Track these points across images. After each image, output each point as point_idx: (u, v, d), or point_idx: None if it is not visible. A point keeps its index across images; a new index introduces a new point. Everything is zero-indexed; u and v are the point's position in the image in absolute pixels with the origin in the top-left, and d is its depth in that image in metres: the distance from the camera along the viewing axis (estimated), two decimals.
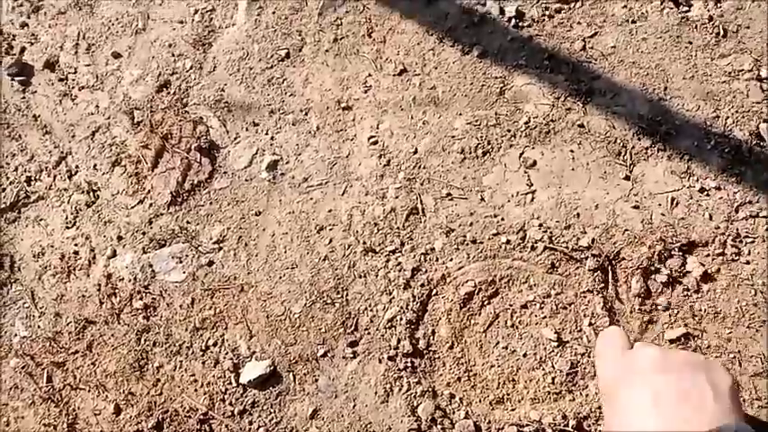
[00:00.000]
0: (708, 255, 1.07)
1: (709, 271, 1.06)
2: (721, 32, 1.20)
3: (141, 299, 1.20)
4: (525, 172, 1.18)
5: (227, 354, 1.14)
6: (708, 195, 1.10)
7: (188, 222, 1.26)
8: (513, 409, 1.04)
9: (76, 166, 1.36)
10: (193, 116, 1.35)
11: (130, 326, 1.18)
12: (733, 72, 1.18)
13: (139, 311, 1.19)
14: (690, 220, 1.09)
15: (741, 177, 1.11)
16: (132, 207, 1.29)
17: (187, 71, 1.41)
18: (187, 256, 1.23)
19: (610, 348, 0.74)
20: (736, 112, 1.14)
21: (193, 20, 1.46)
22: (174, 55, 1.43)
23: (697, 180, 1.12)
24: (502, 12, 1.30)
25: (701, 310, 1.04)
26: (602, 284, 1.07)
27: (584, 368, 1.04)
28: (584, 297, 1.07)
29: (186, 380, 1.15)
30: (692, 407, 0.60)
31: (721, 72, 1.18)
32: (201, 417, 1.11)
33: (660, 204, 1.11)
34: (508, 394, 1.05)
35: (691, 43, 1.21)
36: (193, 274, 1.21)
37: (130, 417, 1.14)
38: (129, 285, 1.22)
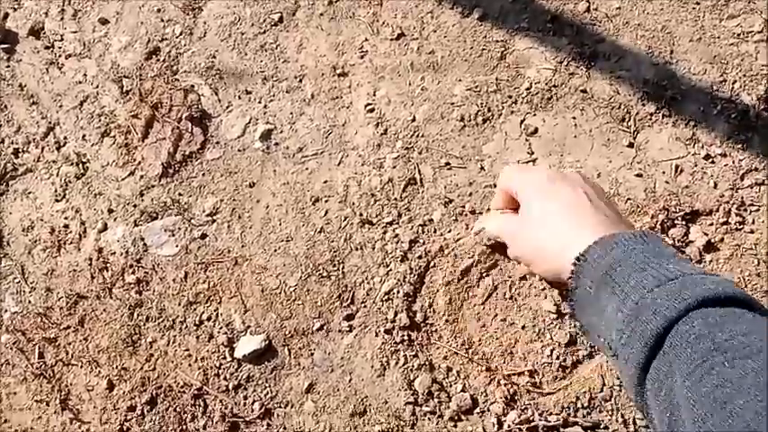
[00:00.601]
0: (711, 224, 1.11)
1: (712, 240, 1.09)
2: None
3: (133, 273, 1.24)
4: (527, 140, 1.21)
5: (221, 328, 1.19)
6: (713, 162, 1.13)
7: (180, 194, 1.30)
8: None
9: (65, 138, 1.40)
10: (184, 84, 1.38)
11: (123, 300, 1.23)
12: (742, 34, 1.20)
13: (132, 286, 1.24)
14: (694, 189, 1.12)
15: (747, 143, 1.13)
16: (123, 179, 1.33)
17: (177, 37, 1.43)
18: (180, 228, 1.27)
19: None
20: (744, 75, 1.16)
21: None
22: (163, 20, 1.45)
23: (702, 147, 1.15)
24: None
25: None
26: None
27: (584, 340, 1.08)
28: None
29: (180, 355, 1.20)
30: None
31: (729, 34, 1.20)
32: (196, 392, 1.16)
33: (664, 172, 1.14)
34: (506, 367, 1.09)
35: (698, 4, 1.22)
36: (186, 248, 1.25)
37: (124, 392, 1.19)
38: (121, 259, 1.26)
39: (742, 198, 1.10)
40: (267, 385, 1.15)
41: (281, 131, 1.31)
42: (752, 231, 1.09)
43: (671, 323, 0.56)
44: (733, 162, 1.12)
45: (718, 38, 1.19)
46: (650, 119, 1.17)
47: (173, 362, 1.20)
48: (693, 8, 1.22)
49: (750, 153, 1.12)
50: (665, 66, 1.18)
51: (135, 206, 1.31)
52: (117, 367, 1.21)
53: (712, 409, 0.49)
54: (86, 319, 1.25)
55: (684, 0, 1.22)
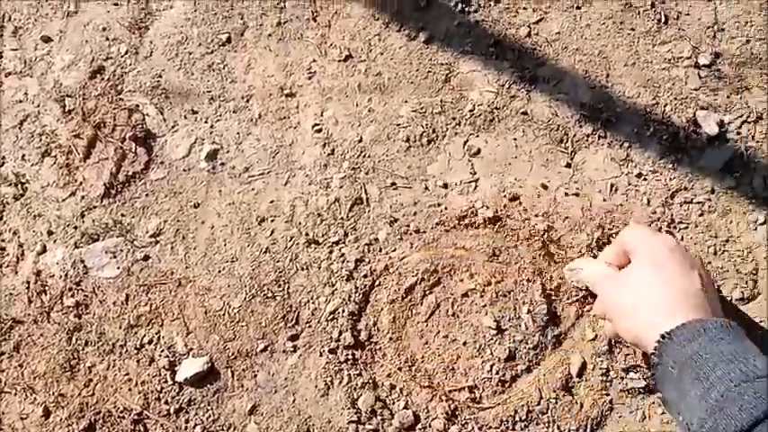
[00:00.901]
0: None
1: None
2: (663, 19, 1.31)
3: (73, 296, 1.25)
4: (469, 160, 1.27)
5: (162, 351, 1.21)
6: (645, 181, 1.20)
7: (122, 215, 1.31)
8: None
9: (3, 157, 1.41)
10: (129, 104, 1.40)
11: (61, 325, 1.24)
12: (672, 59, 1.28)
13: (71, 309, 1.25)
14: (628, 207, 1.19)
15: (678, 163, 1.21)
16: (63, 200, 1.35)
17: (122, 56, 1.46)
18: (122, 250, 1.29)
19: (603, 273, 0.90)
20: (675, 98, 1.25)
21: (129, 2, 1.51)
22: (108, 39, 1.48)
23: (636, 166, 1.22)
24: None
25: None
26: (542, 272, 1.17)
27: (522, 355, 1.13)
28: (524, 285, 1.16)
29: (120, 379, 1.21)
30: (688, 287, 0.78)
31: (661, 59, 1.29)
32: (136, 417, 1.17)
33: (600, 191, 1.21)
34: (448, 383, 1.14)
35: (633, 30, 1.31)
36: (128, 270, 1.27)
37: (61, 419, 1.19)
38: (60, 282, 1.27)
39: (672, 216, 1.17)
40: (209, 408, 1.17)
41: (228, 151, 1.35)
42: None
43: (757, 422, 0.61)
44: (664, 181, 1.19)
45: (651, 62, 1.27)
46: (587, 140, 1.24)
47: (112, 386, 1.21)
48: (628, 34, 1.30)
49: (680, 173, 1.20)
50: (601, 89, 1.26)
51: (75, 228, 1.32)
52: (54, 393, 1.21)
53: None
54: (22, 345, 1.25)
55: (620, 26, 1.30)
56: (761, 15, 1.30)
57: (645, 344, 0.77)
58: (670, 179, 1.21)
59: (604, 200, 1.20)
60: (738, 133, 1.23)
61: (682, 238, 1.18)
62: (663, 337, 0.73)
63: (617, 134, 1.24)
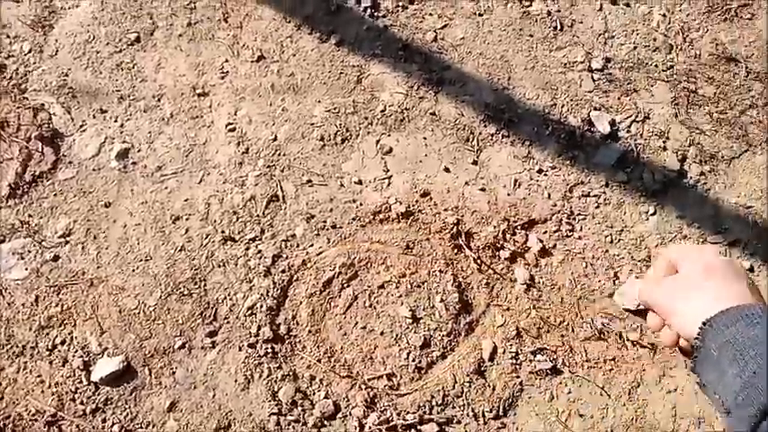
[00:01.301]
0: (546, 231, 1.30)
1: (546, 246, 1.29)
2: (558, 26, 1.45)
3: None
4: (382, 158, 1.36)
5: (76, 352, 1.22)
6: (546, 176, 1.33)
7: (30, 216, 1.32)
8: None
9: None
10: (33, 102, 1.41)
11: None
12: (568, 63, 1.42)
13: None
14: (530, 200, 1.32)
15: (575, 160, 1.35)
16: None
17: (25, 54, 1.46)
18: (29, 251, 1.29)
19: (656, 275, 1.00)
20: (571, 100, 1.39)
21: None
22: (9, 37, 1.48)
23: (536, 163, 1.35)
24: (358, 1, 1.48)
25: (539, 282, 1.27)
26: (453, 263, 1.27)
27: (437, 342, 1.23)
28: (436, 275, 1.26)
29: (32, 381, 1.21)
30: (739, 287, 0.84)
31: (558, 63, 1.43)
32: (50, 419, 1.18)
33: (504, 186, 1.33)
34: (367, 372, 1.22)
35: (532, 36, 1.44)
36: (37, 270, 1.28)
37: None
38: None
39: (571, 208, 1.30)
40: (127, 407, 1.20)
41: (139, 150, 1.38)
42: (580, 238, 1.30)
43: None
44: (563, 176, 1.33)
45: (549, 66, 1.41)
46: (491, 139, 1.35)
47: (23, 389, 1.21)
48: (527, 39, 1.43)
49: (577, 168, 1.33)
50: (503, 91, 1.38)
51: None
52: None
53: None
54: None
55: (519, 33, 1.43)
56: (644, 25, 1.47)
57: (692, 334, 0.87)
58: (568, 174, 1.34)
59: (509, 194, 1.32)
60: (629, 132, 1.38)
61: (580, 229, 1.31)
62: (704, 323, 0.84)
63: (519, 133, 1.36)
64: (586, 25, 1.41)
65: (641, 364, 1.21)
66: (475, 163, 1.30)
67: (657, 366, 1.20)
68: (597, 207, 1.28)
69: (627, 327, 1.22)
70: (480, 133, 1.32)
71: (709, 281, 0.94)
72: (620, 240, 1.26)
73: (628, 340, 1.21)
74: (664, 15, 1.46)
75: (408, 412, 1.17)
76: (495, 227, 1.26)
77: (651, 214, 1.28)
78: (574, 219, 1.27)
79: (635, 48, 1.42)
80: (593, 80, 1.36)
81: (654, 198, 1.30)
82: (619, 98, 1.36)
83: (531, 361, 1.19)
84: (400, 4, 1.44)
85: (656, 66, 1.41)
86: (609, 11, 1.44)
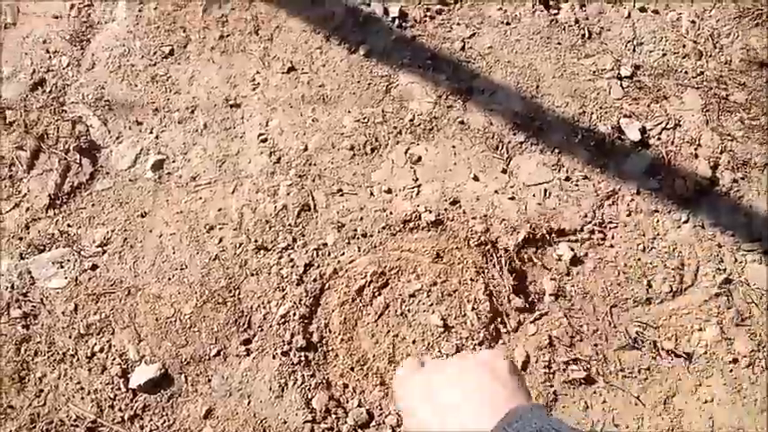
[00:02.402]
0: (577, 240, 1.28)
1: (578, 255, 1.27)
2: (586, 34, 1.43)
3: (20, 307, 1.26)
4: (411, 167, 1.35)
5: (114, 359, 1.23)
6: (576, 185, 1.31)
7: (69, 226, 1.33)
8: None
9: None
10: (72, 115, 1.42)
11: (8, 336, 1.25)
12: (597, 71, 1.40)
13: (18, 320, 1.25)
14: (560, 209, 1.30)
15: (605, 168, 1.32)
16: (7, 212, 1.35)
17: (64, 68, 1.48)
18: (69, 260, 1.30)
19: (407, 374, 0.91)
20: (600, 108, 1.36)
21: (69, 15, 1.53)
22: (49, 51, 1.49)
23: (566, 171, 1.33)
24: (386, 12, 1.47)
25: (571, 291, 1.24)
26: (483, 271, 1.25)
27: (470, 350, 1.21)
28: (467, 284, 1.24)
29: (72, 388, 1.22)
30: (483, 401, 0.75)
31: (587, 71, 1.41)
32: (90, 425, 1.19)
33: (534, 195, 1.31)
34: None
35: (560, 44, 1.42)
36: (76, 279, 1.29)
37: (10, 431, 1.20)
38: (6, 294, 1.28)
39: (602, 216, 1.28)
40: (164, 414, 1.20)
41: (174, 161, 1.38)
42: (612, 246, 1.27)
43: None
44: (593, 185, 1.31)
45: (578, 74, 1.39)
46: (521, 147, 1.34)
47: (64, 396, 1.22)
48: (555, 48, 1.41)
49: (607, 176, 1.31)
50: (532, 99, 1.37)
51: (21, 239, 1.33)
52: (3, 405, 1.22)
53: None
54: None
55: (547, 40, 1.42)
56: (673, 31, 1.44)
57: None
58: (598, 182, 1.32)
59: (538, 203, 1.30)
60: (659, 139, 1.35)
61: (612, 237, 1.29)
62: None
63: (548, 141, 1.35)
64: (615, 32, 1.39)
65: (676, 374, 1.18)
66: (504, 171, 1.28)
67: (693, 376, 1.18)
68: (629, 215, 1.25)
69: (661, 336, 1.20)
70: (509, 141, 1.31)
71: (466, 393, 0.79)
72: (652, 248, 1.24)
73: (662, 349, 1.19)
74: (693, 22, 1.43)
75: None
76: (524, 236, 1.24)
77: (684, 222, 1.26)
78: (605, 227, 1.25)
79: (664, 54, 1.39)
80: (623, 87, 1.34)
81: (686, 206, 1.27)
82: (649, 105, 1.34)
83: (564, 370, 1.18)
84: (428, 14, 1.43)
85: (685, 72, 1.38)
86: (637, 18, 1.42)
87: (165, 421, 1.19)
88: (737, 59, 1.41)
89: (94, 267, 1.30)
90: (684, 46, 1.41)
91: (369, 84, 1.41)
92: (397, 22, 1.43)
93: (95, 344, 1.24)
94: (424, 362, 0.87)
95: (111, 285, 1.28)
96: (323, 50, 1.45)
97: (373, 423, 1.17)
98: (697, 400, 1.17)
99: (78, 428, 1.19)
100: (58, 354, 1.24)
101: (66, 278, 1.28)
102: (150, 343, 1.24)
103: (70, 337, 1.25)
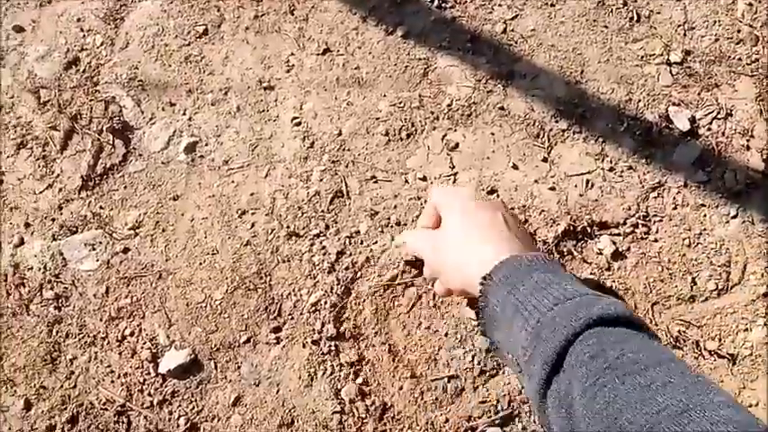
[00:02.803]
0: (619, 234, 1.23)
1: (620, 249, 1.21)
2: (635, 17, 1.36)
3: (52, 288, 1.26)
4: (448, 154, 1.31)
5: (144, 343, 1.22)
6: (620, 176, 1.26)
7: (101, 208, 1.32)
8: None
9: None
10: (105, 95, 1.41)
11: (41, 317, 1.25)
12: (645, 56, 1.33)
13: (50, 302, 1.25)
14: (603, 201, 1.24)
15: (651, 158, 1.26)
16: (40, 192, 1.35)
17: (98, 47, 1.46)
18: (101, 243, 1.30)
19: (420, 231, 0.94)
20: (648, 95, 1.30)
21: None
22: (83, 30, 1.48)
23: (610, 161, 1.27)
24: None
25: (611, 287, 1.20)
26: None
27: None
28: None
29: (102, 371, 1.22)
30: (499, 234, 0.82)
31: (634, 56, 1.34)
32: (119, 408, 1.19)
33: (576, 186, 1.26)
34: (431, 373, 1.18)
35: (606, 27, 1.36)
36: (108, 262, 1.28)
37: (42, 411, 1.20)
38: (39, 275, 1.28)
39: (647, 209, 1.23)
40: (193, 400, 1.19)
41: (207, 144, 1.36)
42: (656, 240, 1.22)
43: (569, 341, 0.65)
44: (638, 176, 1.25)
45: (624, 59, 1.32)
46: (563, 135, 1.28)
47: (94, 378, 1.22)
48: (602, 31, 1.35)
49: (653, 167, 1.25)
50: (575, 85, 1.31)
51: (53, 220, 1.32)
52: (35, 386, 1.22)
53: (605, 424, 0.57)
54: (2, 338, 1.26)
55: (593, 23, 1.35)
56: (728, 15, 1.36)
57: (473, 292, 0.80)
58: (644, 173, 1.26)
59: (580, 194, 1.25)
60: (709, 129, 1.29)
61: (656, 231, 1.23)
62: (484, 278, 0.77)
63: (592, 129, 1.29)
64: (665, 16, 1.32)
65: (719, 375, 1.13)
66: (545, 160, 1.23)
67: (737, 378, 1.12)
68: (675, 208, 1.20)
69: (705, 335, 1.15)
70: (551, 129, 1.25)
71: (471, 231, 0.86)
72: (698, 244, 1.18)
73: (705, 350, 1.14)
74: (750, 5, 1.35)
75: (472, 417, 1.13)
76: (564, 228, 1.19)
77: (732, 217, 1.19)
78: (649, 220, 1.20)
79: (717, 40, 1.32)
80: (672, 74, 1.27)
81: (736, 200, 1.21)
82: (699, 93, 1.27)
83: None
84: None
85: (739, 59, 1.31)
86: (689, 1, 1.35)
87: (193, 407, 1.19)
88: None
89: (126, 250, 1.29)
90: (739, 31, 1.34)
91: (406, 67, 1.36)
92: (436, 2, 1.38)
93: (126, 327, 1.24)
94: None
95: (143, 269, 1.27)
96: (359, 31, 1.40)
97: (401, 415, 1.14)
98: (741, 403, 1.11)
99: (107, 412, 1.19)
100: (89, 336, 1.24)
101: (97, 260, 1.28)
102: (180, 328, 1.23)
103: (101, 319, 1.24)
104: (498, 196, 1.26)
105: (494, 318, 0.75)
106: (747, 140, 1.28)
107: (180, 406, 1.19)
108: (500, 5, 1.40)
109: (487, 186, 1.27)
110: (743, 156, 1.27)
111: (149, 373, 1.21)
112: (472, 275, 0.79)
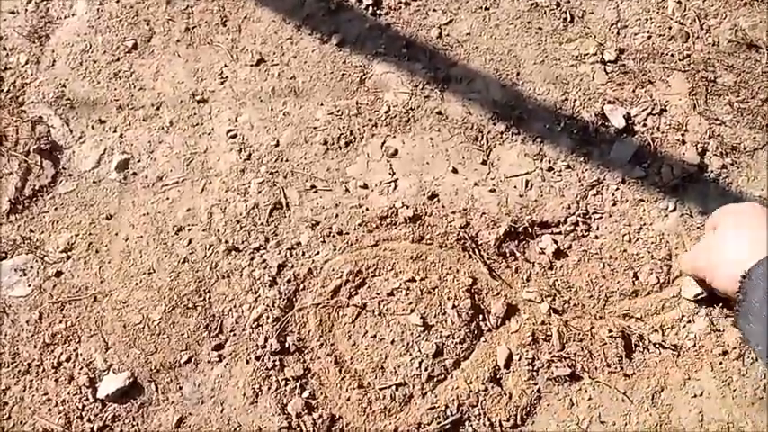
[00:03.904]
0: (560, 232, 1.33)
1: (561, 248, 1.32)
2: (568, 17, 1.48)
3: None
4: (388, 161, 1.40)
5: (81, 369, 1.27)
6: (559, 176, 1.36)
7: (31, 231, 1.38)
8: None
9: None
10: (32, 115, 1.47)
11: None
12: (580, 56, 1.45)
13: None
14: (543, 201, 1.35)
15: (589, 157, 1.38)
16: None
17: (22, 66, 1.52)
18: (32, 267, 1.35)
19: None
20: (583, 94, 1.42)
21: (27, 9, 1.57)
22: (6, 49, 1.54)
23: (549, 161, 1.38)
24: None
25: (554, 285, 1.30)
26: (463, 267, 1.30)
27: (449, 350, 1.26)
28: (447, 281, 1.29)
29: (38, 400, 1.27)
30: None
31: (569, 56, 1.46)
32: None
33: (515, 187, 1.36)
34: (378, 382, 1.26)
35: (540, 29, 1.47)
36: (40, 287, 1.33)
37: None
38: None
39: (586, 207, 1.33)
40: (134, 423, 1.25)
41: (139, 161, 1.43)
42: (596, 237, 1.32)
43: None
44: (577, 174, 1.36)
45: (559, 60, 1.44)
46: (501, 137, 1.39)
47: (30, 408, 1.26)
48: (536, 33, 1.46)
49: (591, 165, 1.36)
50: (512, 87, 1.42)
51: None
52: None
53: None
54: None
55: (527, 25, 1.47)
56: (659, 13, 1.49)
57: (732, 288, 0.93)
58: (582, 172, 1.37)
59: (520, 195, 1.35)
60: (645, 125, 1.40)
61: (597, 228, 1.34)
62: (743, 276, 0.89)
63: (530, 130, 1.40)
64: (598, 15, 1.44)
65: (664, 368, 1.23)
66: (484, 163, 1.33)
67: (681, 369, 1.23)
68: (614, 205, 1.31)
69: (648, 328, 1.25)
70: (489, 132, 1.36)
71: (740, 230, 1.00)
72: (638, 239, 1.29)
73: (650, 342, 1.24)
74: (679, 2, 1.48)
75: (422, 424, 1.21)
76: (505, 230, 1.29)
77: (671, 211, 1.31)
78: (589, 218, 1.30)
79: (649, 37, 1.45)
80: (607, 72, 1.39)
81: (673, 194, 1.32)
82: (634, 90, 1.39)
83: (548, 367, 1.22)
84: (403, 0, 1.48)
85: (672, 55, 1.43)
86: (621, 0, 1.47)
87: (135, 431, 1.24)
88: (725, 41, 1.46)
89: (59, 274, 1.34)
90: (670, 28, 1.46)
91: (342, 75, 1.46)
92: (370, 9, 1.48)
93: (61, 353, 1.29)
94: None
95: (77, 292, 1.33)
96: (293, 41, 1.49)
97: (349, 426, 1.21)
98: (686, 395, 1.22)
99: None
100: (23, 365, 1.28)
101: (29, 286, 1.33)
102: (118, 351, 1.28)
103: (35, 346, 1.29)
104: (439, 200, 1.35)
105: (750, 312, 0.85)
106: (682, 135, 1.40)
107: (121, 430, 1.25)
108: (434, 11, 1.51)
109: (428, 191, 1.36)
110: (678, 150, 1.39)
111: (88, 399, 1.26)
112: (731, 275, 0.90)
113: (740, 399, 1.22)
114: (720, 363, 1.24)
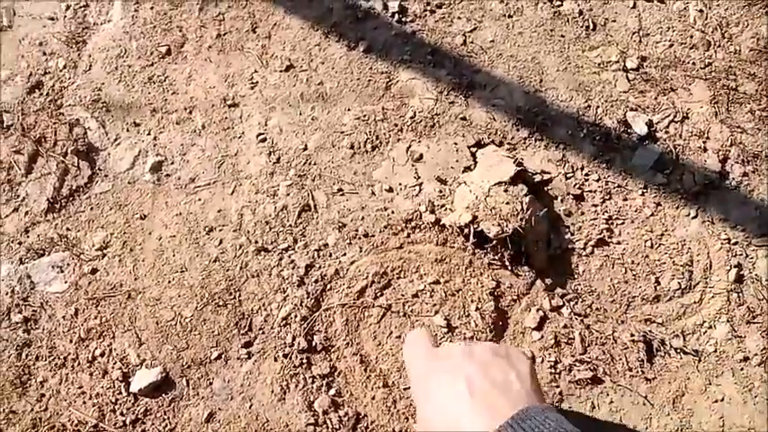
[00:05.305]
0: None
1: (584, 253, 1.30)
2: (591, 26, 1.46)
3: (20, 312, 1.31)
4: (413, 165, 1.39)
5: (115, 363, 1.28)
6: (583, 182, 1.34)
7: (68, 229, 1.38)
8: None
9: None
10: (69, 118, 1.47)
11: (9, 341, 1.30)
12: (602, 63, 1.43)
13: (19, 325, 1.31)
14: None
15: (611, 163, 1.36)
16: (6, 216, 1.40)
17: (61, 70, 1.53)
18: (68, 264, 1.35)
19: (418, 348, 0.96)
20: (606, 101, 1.40)
21: (65, 16, 1.58)
22: (45, 53, 1.55)
23: (572, 167, 1.36)
24: (385, 7, 1.51)
25: (576, 289, 1.28)
26: (487, 270, 1.29)
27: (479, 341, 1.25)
28: (471, 283, 1.28)
29: (73, 393, 1.27)
30: (500, 391, 0.81)
31: (591, 63, 1.44)
32: (92, 429, 1.24)
33: None
34: (402, 382, 1.25)
35: (563, 36, 1.46)
36: (76, 284, 1.34)
37: None
38: (7, 299, 1.33)
39: (609, 213, 1.31)
40: (165, 417, 1.25)
41: (172, 163, 1.43)
42: (619, 243, 1.30)
43: None
44: (599, 180, 1.34)
45: (582, 67, 1.42)
46: (524, 143, 1.37)
47: (66, 400, 1.27)
48: (559, 40, 1.44)
49: (614, 171, 1.34)
50: (535, 93, 1.40)
51: (20, 243, 1.38)
52: (4, 411, 1.27)
53: None
54: None
55: (550, 33, 1.45)
56: (680, 21, 1.47)
57: None
58: (605, 177, 1.35)
59: None
60: (667, 132, 1.38)
61: (619, 234, 1.32)
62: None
63: (552, 136, 1.38)
64: (620, 23, 1.42)
65: (685, 373, 1.21)
66: None
67: (702, 375, 1.21)
68: (636, 211, 1.29)
69: (670, 334, 1.23)
70: (513, 137, 1.34)
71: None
72: (660, 245, 1.27)
73: (671, 348, 1.22)
74: (701, 11, 1.46)
75: None
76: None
77: (692, 217, 1.28)
78: (612, 223, 1.28)
79: (671, 45, 1.42)
80: (629, 80, 1.37)
81: (695, 200, 1.30)
82: (656, 98, 1.37)
83: (570, 370, 1.20)
84: (428, 8, 1.47)
85: (693, 63, 1.41)
86: (643, 8, 1.45)
87: (166, 425, 1.24)
88: (747, 49, 1.43)
89: (94, 271, 1.34)
90: (692, 36, 1.44)
91: (369, 81, 1.45)
92: (396, 17, 1.47)
93: (96, 348, 1.29)
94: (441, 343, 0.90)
95: (111, 289, 1.33)
96: (321, 47, 1.49)
97: (374, 425, 1.20)
98: (707, 400, 1.20)
99: None
100: (59, 358, 1.29)
101: (66, 282, 1.33)
102: (151, 347, 1.28)
103: (71, 341, 1.30)
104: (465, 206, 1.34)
105: None
106: (704, 142, 1.37)
107: (153, 424, 1.25)
108: (459, 18, 1.50)
109: (454, 195, 1.34)
110: (700, 157, 1.37)
111: (121, 393, 1.26)
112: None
113: (762, 405, 1.19)
114: (742, 369, 1.22)
